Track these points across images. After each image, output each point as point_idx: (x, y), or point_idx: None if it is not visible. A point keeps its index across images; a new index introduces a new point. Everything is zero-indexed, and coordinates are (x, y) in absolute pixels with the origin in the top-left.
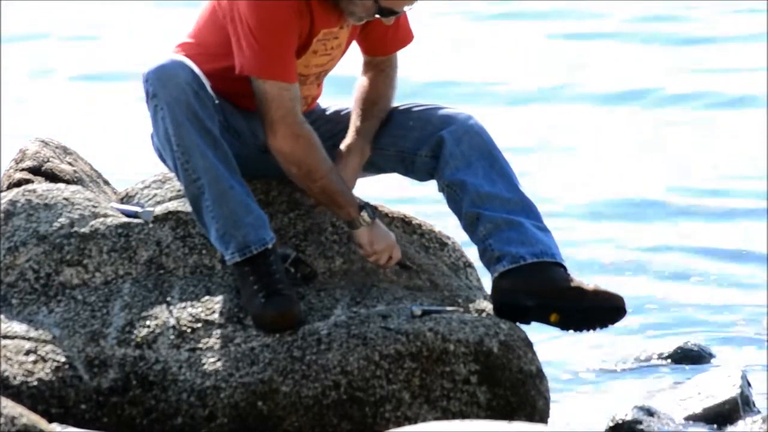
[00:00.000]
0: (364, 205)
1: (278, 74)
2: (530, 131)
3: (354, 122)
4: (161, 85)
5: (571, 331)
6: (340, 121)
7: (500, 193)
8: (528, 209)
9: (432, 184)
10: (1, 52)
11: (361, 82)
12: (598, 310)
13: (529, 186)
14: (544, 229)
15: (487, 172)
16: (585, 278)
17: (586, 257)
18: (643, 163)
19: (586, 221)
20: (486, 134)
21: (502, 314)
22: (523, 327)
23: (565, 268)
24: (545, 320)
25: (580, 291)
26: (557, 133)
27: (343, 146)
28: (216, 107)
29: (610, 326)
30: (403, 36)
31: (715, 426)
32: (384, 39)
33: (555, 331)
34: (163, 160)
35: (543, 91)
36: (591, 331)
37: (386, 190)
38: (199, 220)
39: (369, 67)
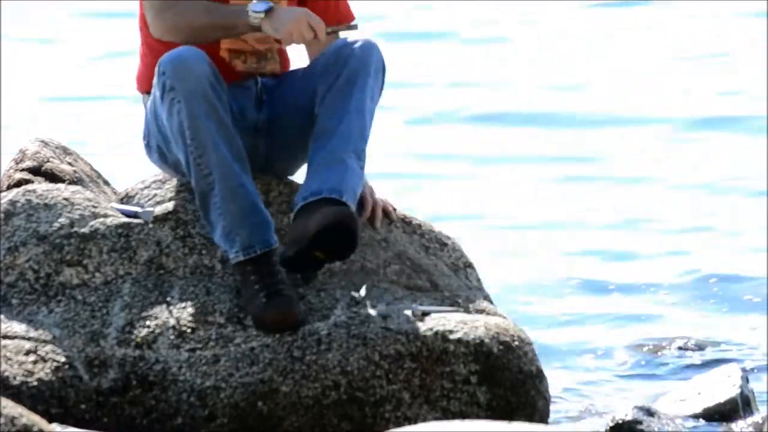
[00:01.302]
0: (249, 7)
1: None
2: None
3: None
4: (178, 78)
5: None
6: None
7: (327, 123)
8: (341, 136)
9: (432, 183)
10: (0, 52)
11: None
12: (325, 230)
13: None
14: (339, 161)
15: (342, 93)
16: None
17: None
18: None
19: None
20: (373, 56)
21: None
22: (523, 327)
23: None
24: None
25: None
26: None
27: None
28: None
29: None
30: (345, 13)
31: (715, 426)
32: (322, 14)
33: (555, 331)
34: (164, 162)
35: None
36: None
37: (385, 190)
38: (205, 217)
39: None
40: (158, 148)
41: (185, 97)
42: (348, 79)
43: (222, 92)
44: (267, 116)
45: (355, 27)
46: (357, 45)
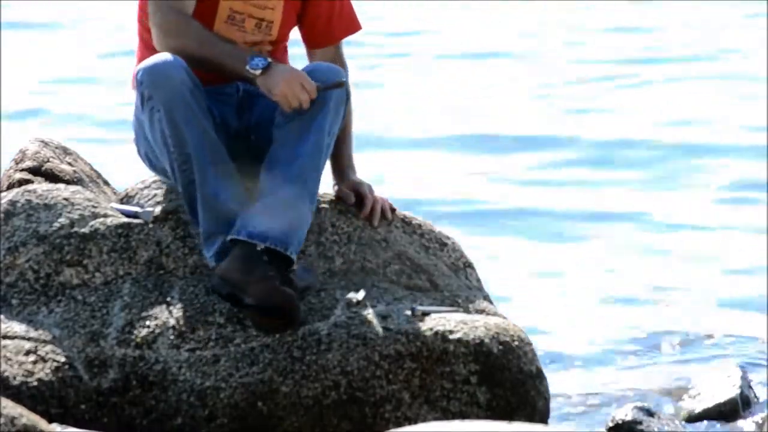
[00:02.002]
0: (249, 57)
1: None
2: None
3: (335, 150)
4: (156, 87)
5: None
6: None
7: (284, 157)
8: (298, 180)
9: (433, 183)
10: (0, 52)
11: None
12: (264, 310)
13: None
14: (292, 207)
15: (302, 128)
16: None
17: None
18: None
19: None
20: (335, 90)
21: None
22: (523, 326)
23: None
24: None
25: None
26: None
27: (336, 174)
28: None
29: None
30: (348, 23)
31: (715, 426)
32: (327, 21)
33: (554, 332)
34: (152, 167)
35: None
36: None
37: (385, 191)
38: (194, 223)
39: None
40: (146, 155)
41: (164, 105)
42: (309, 113)
43: (201, 98)
44: (248, 123)
45: (341, 85)
46: (321, 78)
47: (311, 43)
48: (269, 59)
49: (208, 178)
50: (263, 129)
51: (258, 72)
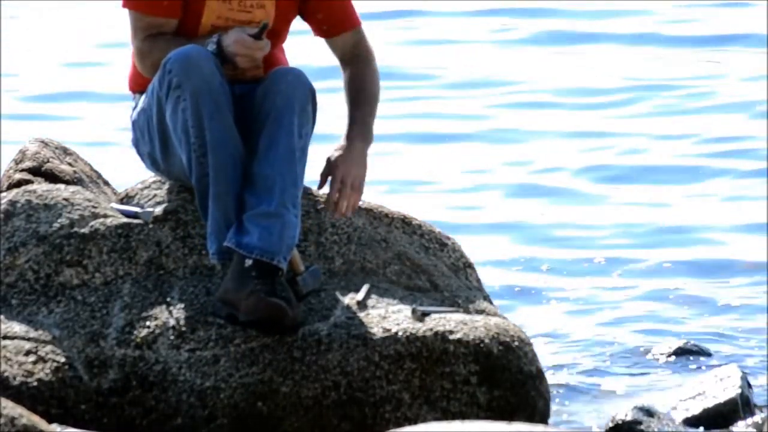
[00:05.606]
0: (206, 42)
1: (133, 6)
2: None
3: (349, 114)
4: (186, 76)
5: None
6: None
7: (260, 169)
8: (276, 188)
9: (434, 184)
10: (1, 51)
11: (345, 76)
12: (254, 323)
13: None
14: (277, 216)
15: (270, 136)
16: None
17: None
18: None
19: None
20: (298, 91)
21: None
22: (523, 327)
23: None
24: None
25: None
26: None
27: (342, 138)
28: None
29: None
30: (348, 14)
31: (715, 426)
32: (329, 16)
33: (554, 331)
34: (155, 168)
35: None
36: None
37: (386, 191)
38: (203, 216)
39: (343, 59)
40: (150, 155)
41: (191, 95)
42: (275, 119)
43: (228, 93)
44: (241, 123)
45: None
46: (283, 81)
47: (326, 33)
48: (218, 35)
49: (224, 175)
50: (248, 130)
51: (214, 48)
